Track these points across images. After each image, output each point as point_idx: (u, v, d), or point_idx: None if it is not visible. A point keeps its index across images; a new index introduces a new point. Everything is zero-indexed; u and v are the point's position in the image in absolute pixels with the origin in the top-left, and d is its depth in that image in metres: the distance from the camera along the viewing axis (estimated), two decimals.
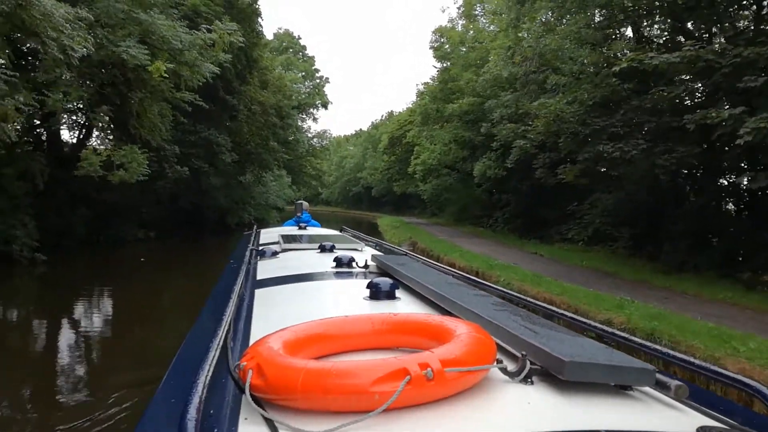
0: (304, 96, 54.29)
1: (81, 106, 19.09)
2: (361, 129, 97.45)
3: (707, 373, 1.54)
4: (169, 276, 16.95)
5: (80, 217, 20.44)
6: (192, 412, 1.05)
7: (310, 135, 60.87)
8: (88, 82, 15.84)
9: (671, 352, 1.69)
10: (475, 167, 24.95)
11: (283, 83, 38.26)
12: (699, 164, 13.10)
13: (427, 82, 34.94)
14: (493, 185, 26.74)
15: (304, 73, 57.78)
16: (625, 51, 14.35)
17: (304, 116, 56.14)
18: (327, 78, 60.72)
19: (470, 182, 34.70)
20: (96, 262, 18.68)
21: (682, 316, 8.47)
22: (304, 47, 61.50)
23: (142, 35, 14.57)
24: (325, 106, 57.82)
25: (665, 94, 11.77)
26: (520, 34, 18.55)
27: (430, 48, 31.73)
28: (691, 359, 1.62)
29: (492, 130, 21.75)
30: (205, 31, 15.58)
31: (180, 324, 9.17)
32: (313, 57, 61.19)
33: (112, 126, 21.77)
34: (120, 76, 17.22)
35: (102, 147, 21.13)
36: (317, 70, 59.72)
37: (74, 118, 21.97)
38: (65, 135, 23.56)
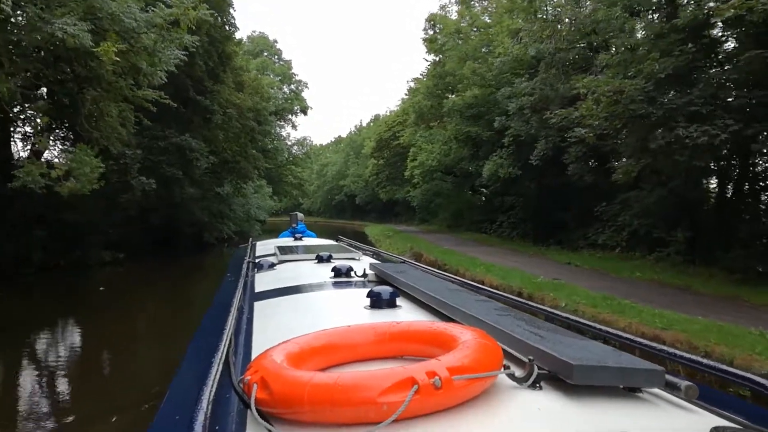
0: (281, 101, 51.26)
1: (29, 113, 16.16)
2: (340, 136, 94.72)
3: (717, 372, 1.50)
4: (140, 304, 14.36)
5: (36, 241, 17.54)
6: (198, 430, 1.04)
7: (289, 143, 58.06)
8: (27, 74, 12.80)
9: (678, 352, 1.63)
10: (485, 166, 22.04)
11: (259, 84, 35.24)
12: None
13: (418, 78, 32.26)
14: (501, 187, 24.01)
15: (281, 77, 54.70)
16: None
17: (283, 123, 53.28)
18: (305, 83, 57.88)
19: (465, 185, 32.22)
20: (55, 291, 15.83)
21: None
22: (279, 51, 58.55)
23: (86, 13, 11.56)
24: (304, 111, 54.89)
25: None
26: (547, 7, 15.81)
27: (423, 39, 28.97)
28: (699, 359, 1.57)
29: (507, 122, 18.98)
30: (163, 7, 12.58)
31: (155, 356, 8.72)
32: (291, 61, 58.34)
33: (66, 129, 18.87)
34: (69, 71, 14.25)
35: (57, 160, 18.30)
36: (295, 74, 56.80)
37: (26, 129, 18.96)
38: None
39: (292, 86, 56.40)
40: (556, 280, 12.09)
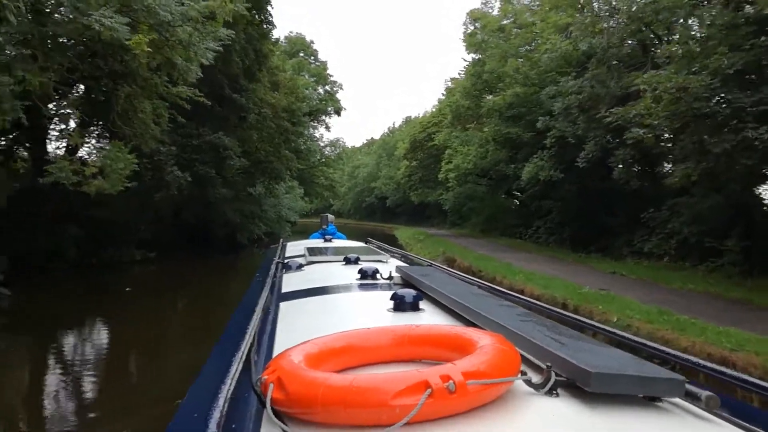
0: (316, 102, 51.10)
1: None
2: (372, 138, 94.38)
3: (739, 383, 1.47)
4: (167, 306, 14.22)
5: (69, 238, 17.62)
6: (212, 427, 1.05)
7: (322, 144, 57.91)
8: (62, 66, 12.64)
9: (701, 362, 1.60)
10: (524, 169, 21.26)
11: (294, 84, 35.02)
12: None
13: (455, 77, 31.57)
14: (539, 190, 23.18)
15: (316, 78, 54.55)
16: None
17: (316, 124, 53.16)
18: (340, 84, 57.53)
19: (500, 189, 31.47)
20: (85, 287, 15.89)
21: None
22: (316, 51, 58.36)
23: (122, 5, 11.31)
24: (338, 112, 54.65)
25: None
26: (594, 3, 15.03)
27: (463, 35, 28.29)
28: (722, 369, 1.55)
29: (551, 123, 18.21)
30: None
31: (182, 356, 8.53)
32: (326, 62, 58.07)
33: (100, 127, 18.82)
34: (103, 66, 14.09)
35: (92, 157, 18.27)
36: (330, 75, 56.55)
37: (61, 126, 18.99)
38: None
39: (327, 87, 56.12)
40: (603, 291, 11.36)
